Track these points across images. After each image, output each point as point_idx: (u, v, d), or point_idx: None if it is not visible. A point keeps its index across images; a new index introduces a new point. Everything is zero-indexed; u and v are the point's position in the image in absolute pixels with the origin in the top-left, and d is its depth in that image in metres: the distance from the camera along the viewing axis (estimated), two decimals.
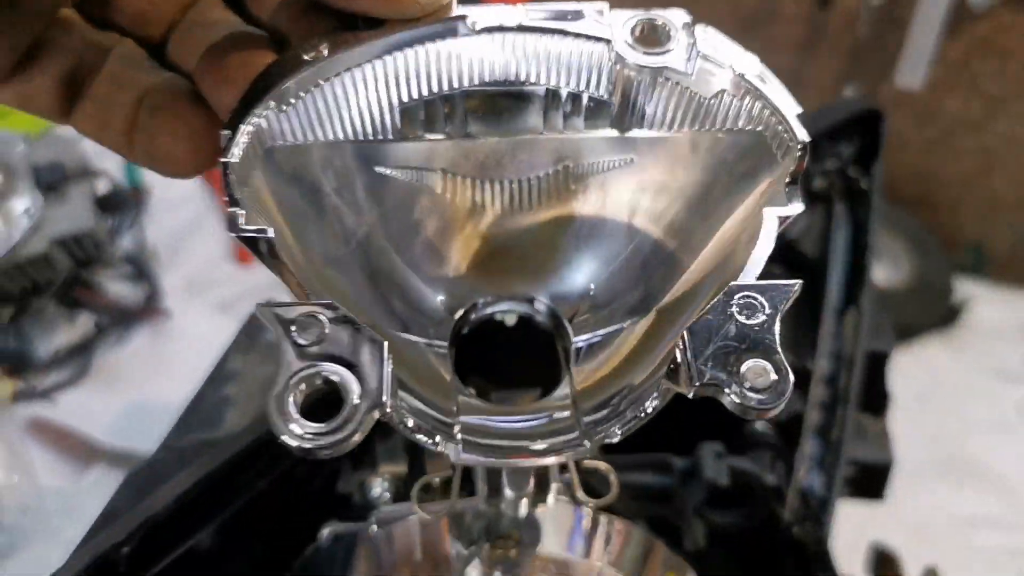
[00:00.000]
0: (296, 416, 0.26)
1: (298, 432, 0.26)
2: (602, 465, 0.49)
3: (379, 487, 0.65)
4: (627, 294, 0.39)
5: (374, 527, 0.51)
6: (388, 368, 0.27)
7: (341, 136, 0.36)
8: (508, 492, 0.46)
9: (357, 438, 0.26)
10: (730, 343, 0.29)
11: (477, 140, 0.38)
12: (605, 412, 0.35)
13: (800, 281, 0.30)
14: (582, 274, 0.40)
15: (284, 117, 0.34)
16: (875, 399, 0.92)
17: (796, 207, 0.33)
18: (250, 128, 0.33)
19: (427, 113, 0.37)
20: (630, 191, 0.39)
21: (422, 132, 0.37)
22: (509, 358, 0.41)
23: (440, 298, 0.40)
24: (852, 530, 1.11)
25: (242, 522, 0.62)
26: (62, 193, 1.33)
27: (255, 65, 0.34)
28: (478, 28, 0.35)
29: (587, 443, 0.33)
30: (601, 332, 0.39)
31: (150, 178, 1.59)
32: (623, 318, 0.39)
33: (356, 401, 0.26)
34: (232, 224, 0.30)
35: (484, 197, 0.39)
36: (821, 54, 1.84)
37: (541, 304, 0.41)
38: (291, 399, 0.26)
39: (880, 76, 1.78)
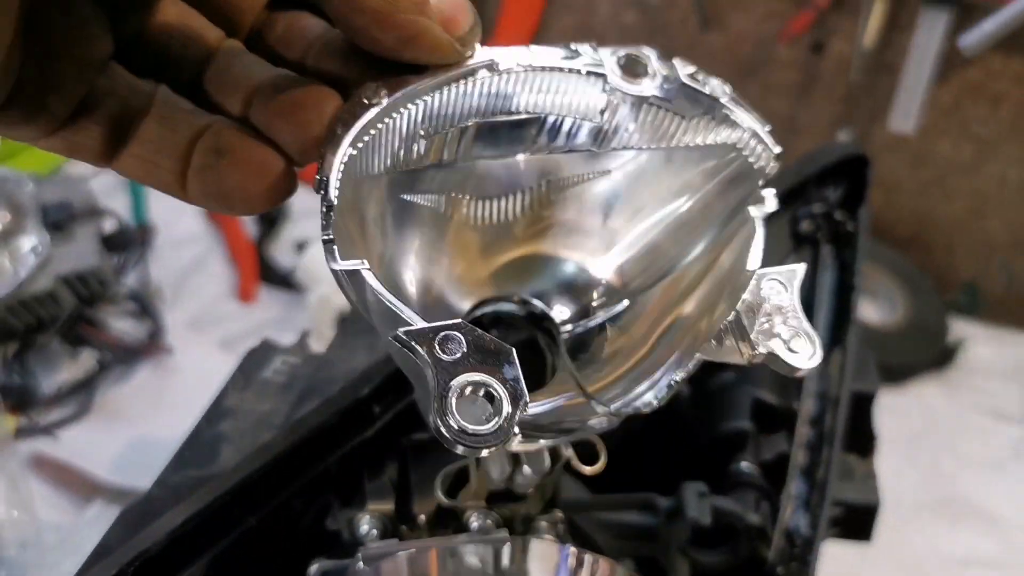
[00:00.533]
0: (460, 421, 0.29)
1: (462, 434, 0.29)
2: (592, 438, 0.52)
3: (367, 524, 0.65)
4: (626, 282, 0.45)
5: (360, 564, 0.52)
6: (519, 370, 0.30)
7: (383, 169, 0.39)
8: (527, 470, 0.51)
9: (513, 431, 0.30)
10: (769, 318, 0.36)
11: (478, 164, 0.43)
12: (620, 391, 0.40)
13: (804, 264, 0.38)
14: (572, 270, 0.46)
15: (354, 160, 0.36)
16: (861, 440, 0.92)
17: (772, 204, 0.40)
18: (340, 170, 0.35)
19: (444, 143, 0.41)
20: (606, 199, 0.45)
21: (438, 160, 0.42)
22: None
23: (449, 304, 0.44)
24: (846, 572, 1.10)
25: (232, 558, 0.63)
26: (69, 232, 1.34)
27: (310, 104, 0.35)
28: (500, 69, 0.40)
29: (615, 408, 0.38)
30: (605, 313, 0.45)
31: (156, 217, 1.62)
32: (626, 297, 0.45)
33: (506, 402, 0.29)
34: (332, 261, 0.34)
35: (482, 213, 0.44)
36: (815, 99, 1.86)
37: (526, 302, 0.46)
38: (453, 406, 0.29)
39: (873, 120, 1.81)
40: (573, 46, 0.41)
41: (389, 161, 0.40)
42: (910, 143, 1.83)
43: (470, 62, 0.39)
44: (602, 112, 0.42)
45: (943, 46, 1.71)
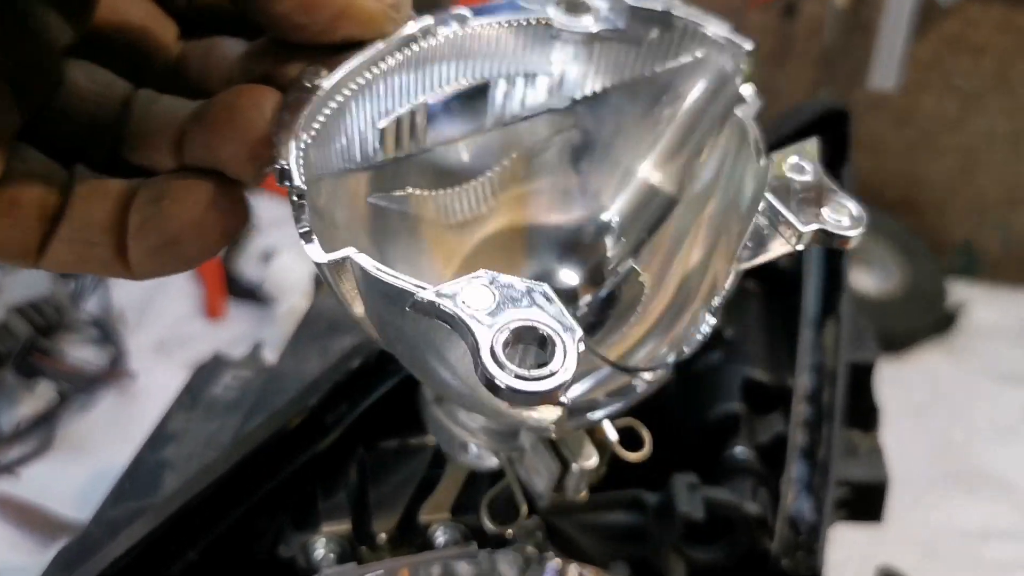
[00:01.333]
0: (517, 369, 0.26)
1: (524, 382, 0.26)
2: (634, 421, 0.51)
3: (322, 548, 0.61)
4: (624, 234, 0.43)
5: None
6: (560, 303, 0.28)
7: (341, 164, 0.37)
8: (576, 468, 0.49)
9: (573, 372, 0.26)
10: (802, 195, 0.35)
11: (436, 153, 0.41)
12: (650, 347, 0.39)
13: (816, 137, 0.36)
14: (563, 238, 0.44)
15: (312, 148, 0.34)
16: (863, 413, 0.88)
17: (755, 101, 0.39)
18: (300, 155, 0.32)
19: (397, 132, 0.39)
20: (575, 152, 0.43)
21: (396, 153, 0.39)
22: None
23: None
24: (858, 554, 1.06)
25: None
26: None
27: (247, 105, 0.33)
28: (438, 33, 0.37)
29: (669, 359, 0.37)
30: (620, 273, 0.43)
31: None
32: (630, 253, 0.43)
33: (558, 338, 0.27)
34: (315, 256, 0.30)
35: (450, 205, 0.42)
36: (791, 64, 1.83)
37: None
38: (503, 359, 0.26)
39: (852, 81, 1.78)
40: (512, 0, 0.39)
41: (346, 155, 0.37)
42: (892, 102, 1.79)
43: (406, 30, 0.36)
44: (551, 62, 0.41)
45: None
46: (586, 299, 0.44)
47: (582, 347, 0.27)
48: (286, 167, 0.32)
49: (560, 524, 0.65)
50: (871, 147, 1.83)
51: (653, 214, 0.43)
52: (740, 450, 0.75)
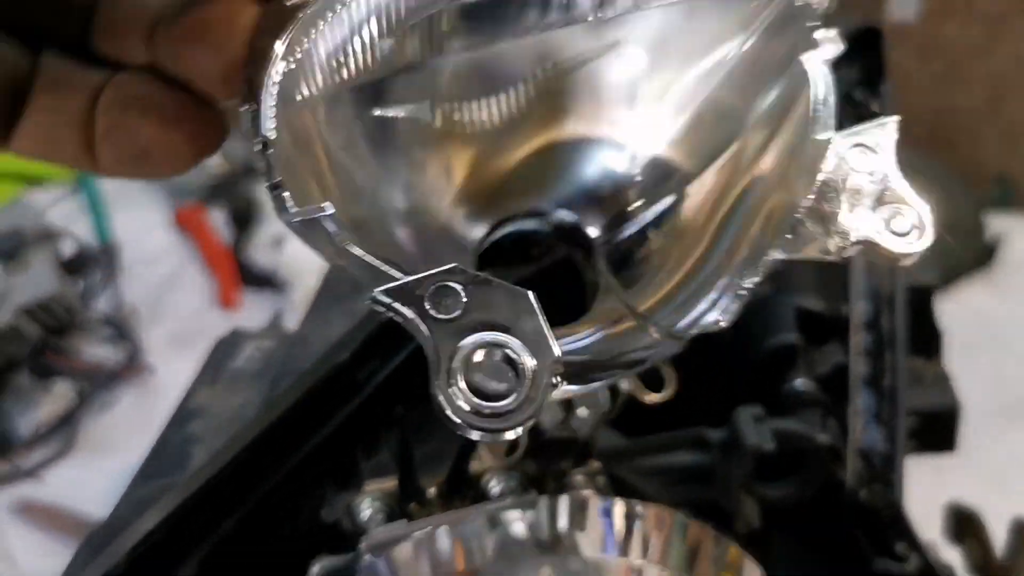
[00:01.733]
0: (472, 398, 0.23)
1: (478, 415, 0.23)
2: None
3: (368, 508, 0.58)
4: (666, 176, 0.38)
5: (367, 556, 0.46)
6: (543, 319, 0.25)
7: (339, 82, 0.33)
8: (583, 412, 0.47)
9: (543, 399, 0.24)
10: (858, 194, 0.29)
11: (460, 56, 0.36)
12: (676, 308, 0.33)
13: (896, 117, 0.30)
14: (597, 171, 0.38)
15: (292, 76, 0.30)
16: (926, 339, 0.85)
17: (834, 46, 0.32)
18: (273, 95, 0.29)
19: (411, 38, 0.34)
20: (624, 78, 0.37)
21: (409, 60, 0.35)
22: (524, 281, 0.36)
23: (460, 233, 0.38)
24: (922, 490, 1.01)
25: (213, 570, 0.53)
26: (22, 260, 1.28)
27: (222, 18, 0.30)
28: None
29: (677, 328, 0.32)
30: (650, 211, 0.38)
31: (123, 235, 1.54)
32: (671, 191, 0.37)
33: (531, 365, 0.24)
34: (282, 211, 0.27)
35: (477, 117, 0.37)
36: None
37: (549, 214, 0.39)
38: (460, 382, 0.24)
39: (872, 11, 1.72)
40: None
41: (346, 72, 0.33)
42: (914, 32, 1.74)
43: None
44: None
45: None
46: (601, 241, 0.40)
47: (557, 375, 0.24)
48: (255, 108, 0.29)
49: (620, 471, 0.61)
50: (896, 81, 1.78)
51: (694, 163, 0.38)
52: (801, 382, 0.72)
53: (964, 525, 0.93)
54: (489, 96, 0.37)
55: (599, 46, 0.37)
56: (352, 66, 0.33)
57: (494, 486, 0.52)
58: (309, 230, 0.28)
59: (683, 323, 0.32)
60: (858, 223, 0.29)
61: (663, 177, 0.38)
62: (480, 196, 0.38)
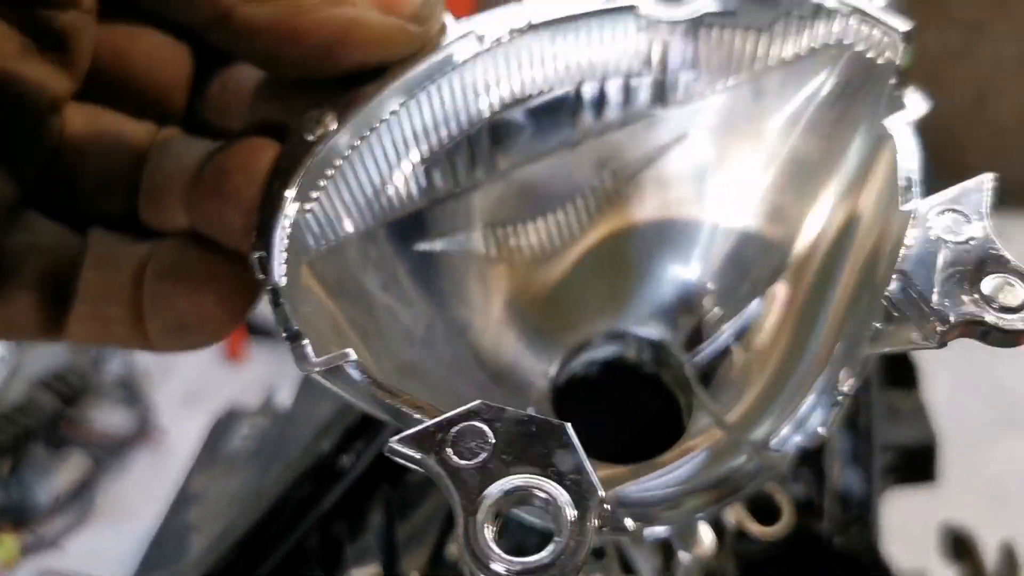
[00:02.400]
0: (501, 554, 0.20)
1: (516, 572, 0.20)
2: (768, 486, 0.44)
3: None
4: (742, 277, 0.34)
5: None
6: (582, 454, 0.22)
7: (371, 220, 0.31)
8: (684, 556, 0.40)
9: (585, 556, 0.20)
10: (954, 269, 0.24)
11: (510, 176, 0.33)
12: (771, 420, 0.29)
13: (991, 174, 0.26)
14: (671, 282, 0.35)
15: (312, 217, 0.28)
16: (902, 371, 0.85)
17: (920, 105, 0.29)
18: (285, 239, 0.27)
19: (452, 163, 0.32)
20: (692, 172, 0.34)
21: (452, 187, 0.32)
22: (613, 410, 0.36)
23: (528, 368, 0.35)
24: (918, 512, 1.02)
25: None
26: None
27: (236, 166, 0.28)
28: (487, 42, 0.30)
29: (782, 454, 0.28)
30: (729, 325, 0.34)
31: None
32: (748, 299, 0.34)
33: (567, 508, 0.21)
34: (303, 362, 0.25)
35: (535, 239, 0.35)
36: None
37: (628, 335, 0.36)
38: (488, 535, 0.20)
39: None
40: None
41: (379, 207, 0.31)
42: None
43: (442, 43, 0.29)
44: (648, 57, 0.32)
45: None
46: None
47: (603, 516, 0.21)
48: (264, 255, 0.26)
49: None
50: None
51: (773, 260, 0.34)
52: None
53: (959, 546, 0.93)
54: (546, 214, 0.34)
55: (662, 141, 0.34)
56: (385, 200, 0.31)
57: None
58: (335, 378, 0.25)
59: (781, 434, 0.28)
60: (956, 303, 0.24)
61: (737, 281, 0.35)
62: (547, 326, 0.35)
